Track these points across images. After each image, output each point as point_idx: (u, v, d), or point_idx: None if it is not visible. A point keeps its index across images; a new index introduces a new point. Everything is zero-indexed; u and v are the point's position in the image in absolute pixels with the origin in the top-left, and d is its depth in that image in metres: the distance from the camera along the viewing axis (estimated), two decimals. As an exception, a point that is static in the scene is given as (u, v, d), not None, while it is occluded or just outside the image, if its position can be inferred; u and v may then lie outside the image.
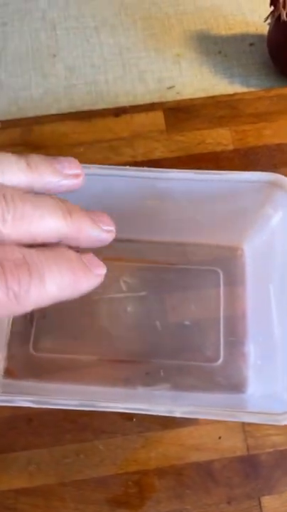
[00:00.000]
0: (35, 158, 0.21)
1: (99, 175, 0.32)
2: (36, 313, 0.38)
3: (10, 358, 0.36)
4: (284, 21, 0.44)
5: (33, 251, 0.19)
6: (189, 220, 0.37)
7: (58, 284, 0.19)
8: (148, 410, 0.27)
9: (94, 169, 0.32)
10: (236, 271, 0.39)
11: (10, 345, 0.37)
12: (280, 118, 0.45)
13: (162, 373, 0.37)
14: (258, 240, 0.38)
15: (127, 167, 0.32)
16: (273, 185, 0.33)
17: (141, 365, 0.37)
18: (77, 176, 0.23)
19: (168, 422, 0.35)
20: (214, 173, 0.33)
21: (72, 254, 0.20)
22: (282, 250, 0.35)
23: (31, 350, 0.37)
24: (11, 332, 0.37)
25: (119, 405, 0.27)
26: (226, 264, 0.39)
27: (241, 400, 0.35)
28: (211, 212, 0.36)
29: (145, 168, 0.32)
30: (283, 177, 0.33)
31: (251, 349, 0.36)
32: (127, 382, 0.36)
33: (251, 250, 0.39)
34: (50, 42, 0.52)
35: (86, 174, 0.32)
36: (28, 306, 0.18)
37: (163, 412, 0.27)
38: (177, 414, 0.26)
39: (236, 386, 0.36)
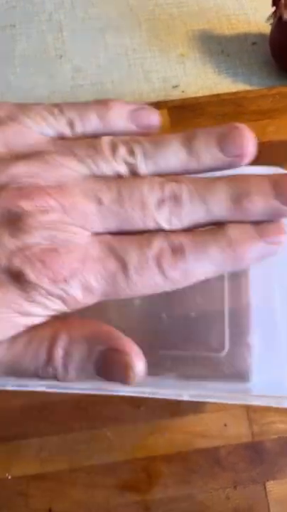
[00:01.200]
0: (198, 146, 0.20)
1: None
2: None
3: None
4: (286, 21, 0.45)
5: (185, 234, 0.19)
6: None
7: (214, 263, 0.19)
8: (157, 394, 0.28)
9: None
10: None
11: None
12: (282, 115, 0.46)
13: (169, 364, 0.38)
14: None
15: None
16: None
17: (148, 357, 0.38)
18: (239, 157, 0.21)
19: (175, 410, 0.36)
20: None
21: (231, 231, 0.19)
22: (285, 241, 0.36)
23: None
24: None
25: (130, 389, 0.28)
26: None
27: (246, 388, 0.36)
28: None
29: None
30: (283, 170, 0.34)
31: (255, 339, 0.37)
32: (135, 372, 0.37)
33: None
34: (57, 43, 0.53)
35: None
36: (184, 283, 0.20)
37: (171, 395, 0.28)
38: (186, 398, 0.27)
39: (241, 375, 0.37)
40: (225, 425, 0.36)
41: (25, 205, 0.18)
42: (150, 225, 0.19)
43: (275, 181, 0.20)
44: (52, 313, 0.19)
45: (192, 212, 0.19)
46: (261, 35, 0.53)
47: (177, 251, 0.19)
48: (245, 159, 0.21)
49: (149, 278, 0.19)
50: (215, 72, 0.51)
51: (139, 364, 0.20)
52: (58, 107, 0.21)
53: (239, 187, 0.20)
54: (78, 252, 0.18)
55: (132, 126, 0.21)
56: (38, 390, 0.28)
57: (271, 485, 0.35)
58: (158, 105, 0.47)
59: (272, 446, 0.36)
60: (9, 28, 0.55)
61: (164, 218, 0.19)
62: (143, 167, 0.20)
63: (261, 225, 0.20)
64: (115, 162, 0.19)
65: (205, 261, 0.19)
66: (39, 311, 0.19)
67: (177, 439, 0.36)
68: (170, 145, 0.20)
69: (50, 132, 0.21)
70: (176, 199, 0.19)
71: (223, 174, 0.33)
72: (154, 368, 0.37)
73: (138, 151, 0.20)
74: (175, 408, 0.36)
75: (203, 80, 0.51)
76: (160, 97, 0.50)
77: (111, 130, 0.21)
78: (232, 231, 0.19)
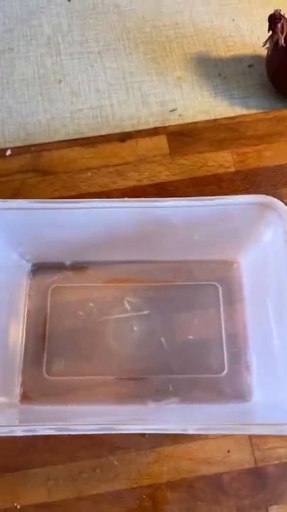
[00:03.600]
0: None
1: (101, 207, 0.35)
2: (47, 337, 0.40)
3: (24, 383, 0.38)
4: (282, 46, 0.46)
5: None
6: (187, 240, 0.39)
7: None
8: (163, 430, 0.29)
9: (96, 203, 0.35)
10: (234, 284, 0.41)
11: (24, 371, 0.38)
12: (279, 140, 0.47)
13: (171, 388, 0.39)
14: (253, 254, 0.40)
15: (126, 199, 0.35)
16: (265, 206, 0.36)
17: (150, 382, 0.39)
18: None
19: (179, 438, 0.37)
20: (208, 199, 0.35)
21: None
22: (275, 263, 0.37)
23: (45, 374, 0.38)
24: (24, 358, 0.39)
25: (136, 427, 0.29)
26: (224, 278, 0.41)
27: (246, 408, 0.37)
28: (208, 232, 0.38)
29: (144, 199, 0.36)
30: (273, 199, 0.36)
31: (254, 359, 0.38)
32: (138, 398, 0.38)
33: (247, 264, 0.41)
34: (56, 67, 0.54)
35: (89, 207, 0.35)
36: None
37: (176, 430, 0.29)
38: (191, 432, 0.28)
39: (242, 395, 0.38)
40: (228, 451, 0.37)
41: None
42: None
43: None
44: None
45: None
46: (257, 57, 0.53)
47: None
48: None
49: None
50: (212, 95, 0.52)
51: None
52: None
53: None
54: None
55: None
56: (47, 433, 0.28)
57: (273, 510, 0.36)
58: (157, 131, 0.47)
59: (274, 472, 0.36)
60: (7, 52, 0.55)
61: None
62: None
63: None
64: None
65: None
66: None
67: (181, 466, 0.37)
68: None
69: None
70: None
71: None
72: (157, 394, 0.38)
73: None
74: (179, 435, 0.37)
75: (200, 103, 0.52)
76: (158, 121, 0.50)
77: None
78: None
